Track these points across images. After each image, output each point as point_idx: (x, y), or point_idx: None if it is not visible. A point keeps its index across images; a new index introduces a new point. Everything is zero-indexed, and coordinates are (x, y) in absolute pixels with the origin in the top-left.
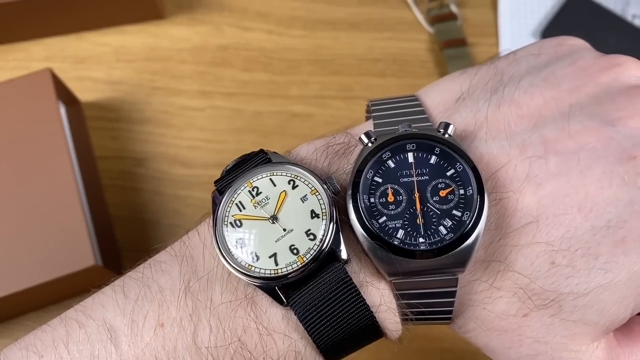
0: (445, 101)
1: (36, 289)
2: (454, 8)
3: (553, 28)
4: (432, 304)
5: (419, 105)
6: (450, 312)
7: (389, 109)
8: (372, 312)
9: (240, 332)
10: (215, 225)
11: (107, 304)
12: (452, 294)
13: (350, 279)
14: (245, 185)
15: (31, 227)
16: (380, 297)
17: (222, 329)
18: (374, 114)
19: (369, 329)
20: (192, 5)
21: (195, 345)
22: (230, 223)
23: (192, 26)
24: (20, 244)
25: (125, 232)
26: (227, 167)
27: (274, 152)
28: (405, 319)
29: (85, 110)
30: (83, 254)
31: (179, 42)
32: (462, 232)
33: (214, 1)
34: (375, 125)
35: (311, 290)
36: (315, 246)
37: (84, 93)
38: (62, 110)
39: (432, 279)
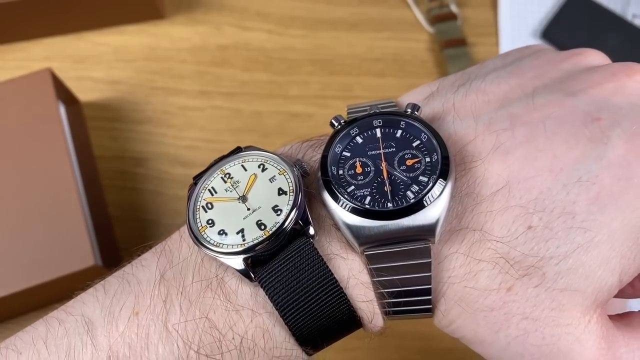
0: (416, 100)
1: (36, 289)
2: (454, 8)
3: (553, 28)
4: (408, 281)
5: (394, 105)
6: (428, 291)
7: (363, 108)
8: (339, 284)
9: (208, 310)
10: (188, 211)
11: (87, 301)
12: (427, 267)
13: (316, 251)
14: (218, 172)
15: (31, 227)
16: (348, 269)
17: (192, 310)
18: (348, 112)
19: (338, 304)
20: (191, 5)
21: (167, 329)
22: (202, 207)
23: (191, 26)
24: (20, 244)
25: (125, 232)
26: (209, 165)
27: (250, 146)
28: (383, 305)
29: (85, 110)
30: (83, 254)
31: (178, 42)
32: (426, 191)
33: (214, 1)
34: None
35: (277, 264)
36: (281, 219)
37: (83, 93)
38: (62, 110)
39: (404, 248)
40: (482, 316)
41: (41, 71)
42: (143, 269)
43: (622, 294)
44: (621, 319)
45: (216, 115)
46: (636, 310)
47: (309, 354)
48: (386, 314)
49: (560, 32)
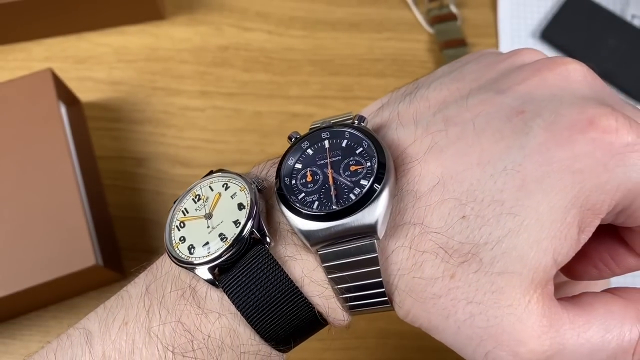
0: (368, 112)
1: (36, 289)
2: (453, 8)
3: (552, 28)
4: (359, 276)
5: (351, 119)
6: (380, 284)
7: (322, 123)
8: (293, 283)
9: (180, 315)
10: (165, 231)
11: (90, 317)
12: (375, 261)
13: (270, 255)
14: (190, 194)
15: (32, 227)
16: (301, 269)
17: (169, 316)
18: (310, 128)
19: (294, 302)
20: (192, 5)
21: (149, 334)
22: (176, 226)
23: (192, 26)
24: (20, 244)
25: (125, 232)
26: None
27: (221, 169)
28: (343, 300)
29: (85, 110)
30: (83, 253)
31: (179, 43)
32: (366, 192)
33: (214, 1)
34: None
35: (237, 271)
36: (239, 230)
37: (84, 93)
38: (63, 110)
39: (351, 245)
40: (432, 304)
41: (42, 71)
42: (134, 285)
43: (589, 275)
44: (572, 299)
45: (216, 115)
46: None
47: (282, 352)
48: (348, 309)
49: (560, 33)
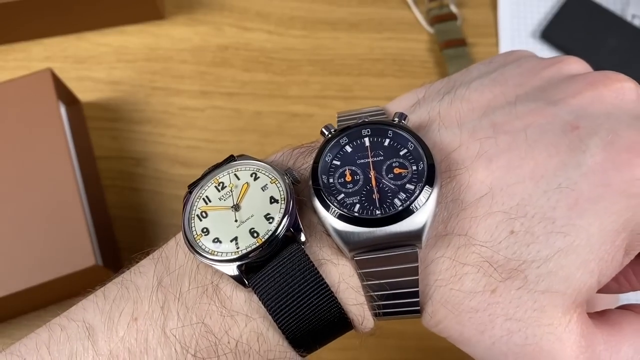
0: (403, 107)
1: (36, 289)
2: (453, 8)
3: (553, 28)
4: (396, 284)
5: (383, 113)
6: (416, 293)
7: (353, 116)
8: (330, 289)
9: (204, 316)
10: (184, 220)
11: (87, 307)
12: (414, 271)
13: (307, 257)
14: (212, 182)
15: (31, 227)
16: (338, 274)
17: (189, 315)
18: (338, 120)
19: (329, 308)
20: (192, 5)
21: (165, 334)
22: (197, 215)
23: (192, 26)
24: (20, 244)
25: (125, 232)
26: (203, 174)
27: (242, 154)
28: (373, 307)
29: (85, 110)
30: (83, 253)
31: (179, 42)
32: (413, 199)
33: (214, 1)
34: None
35: (270, 271)
36: (273, 227)
37: (84, 93)
38: (63, 110)
39: (392, 253)
40: (468, 317)
41: (42, 71)
42: (141, 275)
43: (608, 289)
44: (599, 316)
45: (216, 115)
46: (627, 303)
47: (302, 356)
48: (376, 315)
49: (560, 33)
